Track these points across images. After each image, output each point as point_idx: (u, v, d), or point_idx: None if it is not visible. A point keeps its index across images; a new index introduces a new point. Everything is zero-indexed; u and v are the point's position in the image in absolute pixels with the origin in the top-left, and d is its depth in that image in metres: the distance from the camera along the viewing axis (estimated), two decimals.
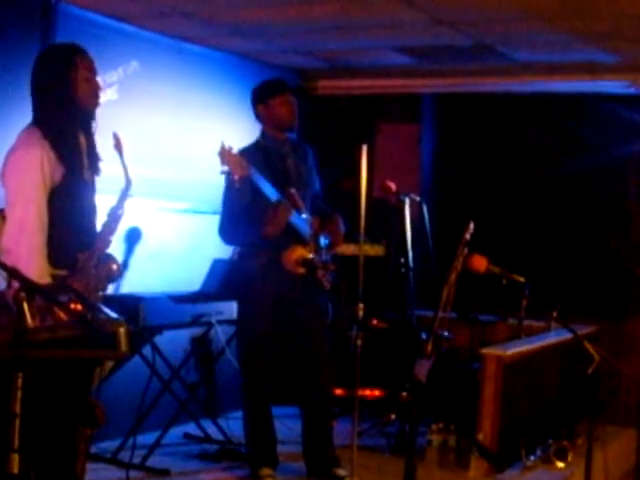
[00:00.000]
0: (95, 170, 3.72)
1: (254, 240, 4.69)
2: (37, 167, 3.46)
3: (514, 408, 5.21)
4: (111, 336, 2.52)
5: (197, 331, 5.70)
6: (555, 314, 5.64)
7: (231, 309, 5.32)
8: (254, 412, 4.83)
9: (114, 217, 3.68)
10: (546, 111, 7.07)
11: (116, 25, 5.50)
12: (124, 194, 3.72)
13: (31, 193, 3.46)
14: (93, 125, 3.70)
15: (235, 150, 4.50)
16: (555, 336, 5.74)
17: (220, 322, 5.39)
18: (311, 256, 4.42)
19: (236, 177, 4.39)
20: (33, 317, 2.46)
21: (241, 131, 6.07)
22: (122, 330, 2.52)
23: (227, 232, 4.76)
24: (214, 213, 4.92)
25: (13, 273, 2.44)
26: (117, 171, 3.68)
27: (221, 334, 5.46)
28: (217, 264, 5.52)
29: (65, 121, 3.58)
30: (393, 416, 5.76)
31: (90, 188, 3.70)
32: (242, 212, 4.66)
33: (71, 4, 5.17)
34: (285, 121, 4.78)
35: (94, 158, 3.71)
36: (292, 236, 4.66)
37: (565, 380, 5.81)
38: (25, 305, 2.39)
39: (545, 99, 6.90)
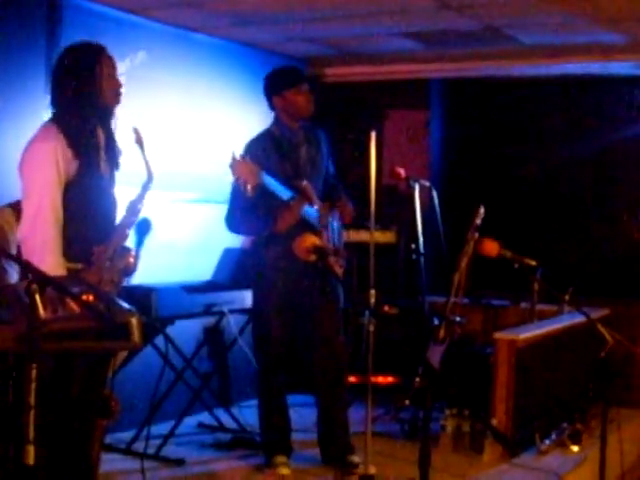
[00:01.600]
0: (114, 165, 3.77)
1: (262, 233, 4.71)
2: (52, 161, 3.51)
3: (528, 392, 5.21)
4: (124, 327, 2.52)
5: (209, 321, 5.71)
6: (567, 297, 5.66)
7: (243, 298, 5.33)
8: (269, 401, 4.83)
9: (133, 211, 3.72)
10: (556, 93, 7.04)
11: (123, 16, 5.48)
12: (145, 188, 3.76)
13: (46, 186, 3.51)
14: (113, 121, 3.75)
15: (240, 150, 4.53)
16: (568, 319, 5.73)
17: (232, 311, 5.40)
18: (322, 243, 4.41)
19: (248, 187, 4.40)
20: (45, 309, 2.46)
21: (250, 120, 6.08)
22: (134, 321, 2.52)
23: (234, 222, 4.77)
24: (224, 202, 4.91)
25: (25, 266, 2.44)
26: (137, 165, 3.72)
27: (233, 323, 5.47)
28: (228, 253, 5.52)
29: (83, 117, 3.63)
30: (407, 402, 5.75)
31: (108, 182, 3.74)
32: (251, 206, 4.66)
33: None
34: (302, 111, 4.75)
35: (113, 153, 3.75)
36: (302, 226, 4.66)
37: (578, 363, 5.80)
38: (37, 297, 2.38)
39: (554, 81, 6.87)
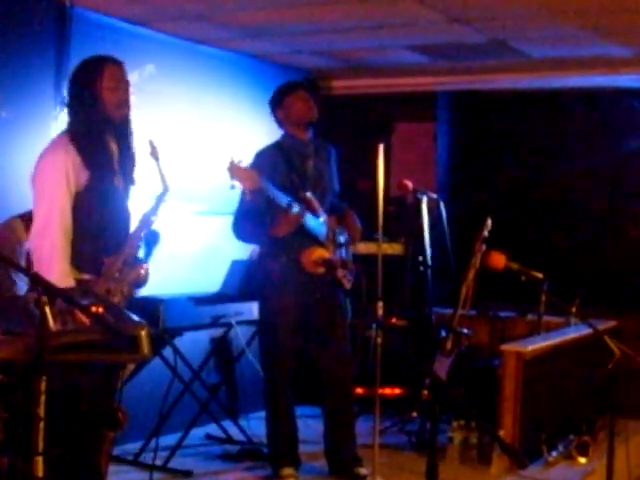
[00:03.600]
0: (129, 178, 3.82)
1: (262, 239, 4.75)
2: (61, 171, 3.57)
3: (535, 404, 5.21)
4: (133, 339, 2.53)
5: (217, 332, 5.72)
6: (574, 309, 5.65)
7: (250, 310, 5.34)
8: (277, 412, 4.84)
9: (146, 223, 3.77)
10: (563, 106, 7.05)
11: (131, 29, 5.52)
12: (159, 200, 3.82)
13: (55, 196, 3.57)
14: (129, 135, 3.80)
15: (249, 161, 4.58)
16: (575, 331, 5.73)
17: (240, 323, 5.41)
18: (330, 256, 4.43)
19: (247, 191, 4.42)
20: (55, 321, 2.48)
21: (257, 132, 6.10)
22: (143, 333, 2.53)
23: (238, 229, 4.82)
24: (231, 214, 4.93)
25: (34, 278, 2.46)
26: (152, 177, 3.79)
27: (241, 335, 5.48)
28: (236, 265, 5.53)
29: (92, 129, 3.68)
30: (415, 414, 5.75)
31: (121, 194, 3.78)
32: (256, 213, 4.68)
33: (86, 8, 5.20)
34: (303, 116, 4.78)
35: (128, 166, 3.80)
36: (309, 238, 4.68)
37: (586, 375, 5.79)
38: (47, 309, 2.40)
39: (561, 93, 6.88)
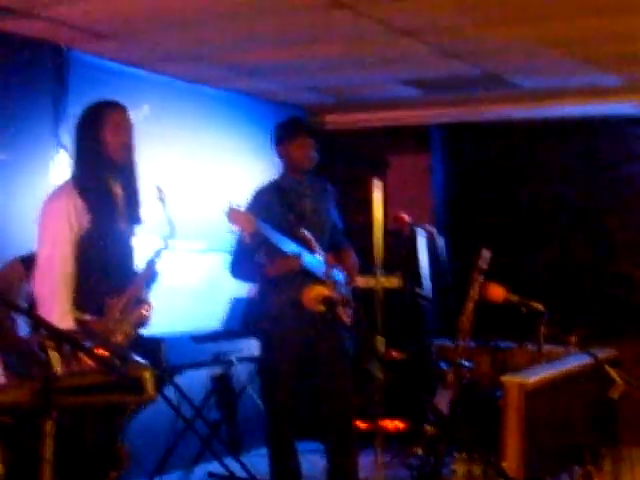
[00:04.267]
0: (134, 218, 3.89)
1: (258, 278, 4.79)
2: (64, 215, 3.66)
3: (538, 435, 5.19)
4: (138, 381, 2.54)
5: (216, 369, 5.71)
6: (574, 339, 5.65)
7: (251, 347, 5.34)
8: (279, 449, 4.82)
9: (151, 266, 3.83)
10: (555, 136, 7.10)
11: (127, 70, 5.58)
12: (166, 243, 3.88)
13: (56, 240, 3.65)
14: (133, 177, 3.89)
15: (246, 200, 4.59)
16: (576, 361, 5.72)
17: (240, 360, 5.41)
18: (330, 293, 4.43)
19: (245, 234, 4.46)
20: (60, 364, 2.49)
21: (254, 170, 6.14)
22: (148, 375, 2.55)
23: (235, 269, 4.85)
24: (225, 252, 4.95)
25: (39, 321, 2.47)
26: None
27: (242, 372, 5.48)
28: (236, 302, 5.54)
29: (95, 173, 3.78)
30: (420, 451, 5.72)
31: (124, 235, 3.85)
32: (252, 254, 4.71)
33: (82, 51, 5.25)
34: (302, 164, 4.80)
35: (133, 207, 3.88)
36: (307, 275, 4.69)
37: (588, 404, 5.78)
38: (52, 353, 2.41)
39: (554, 123, 6.93)
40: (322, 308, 4.18)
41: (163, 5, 4.47)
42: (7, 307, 3.03)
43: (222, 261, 5.75)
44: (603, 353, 5.70)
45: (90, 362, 2.65)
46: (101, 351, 2.69)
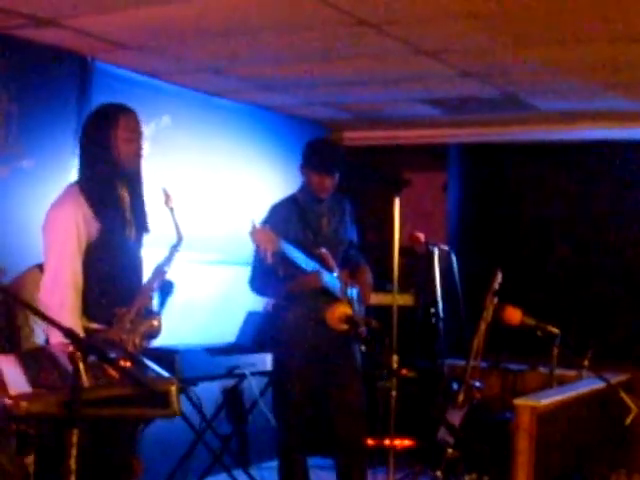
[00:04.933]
0: (142, 227, 3.80)
1: (280, 295, 4.77)
2: (72, 223, 3.56)
3: (548, 458, 5.18)
4: (163, 394, 2.55)
5: (228, 382, 5.72)
6: (587, 362, 5.65)
7: (264, 361, 5.36)
8: (289, 464, 4.82)
9: (159, 273, 3.74)
10: (572, 158, 7.11)
11: (149, 81, 5.61)
12: (173, 250, 3.80)
13: (65, 248, 3.55)
14: (139, 184, 3.79)
15: (269, 210, 4.68)
16: (588, 385, 5.72)
17: (254, 374, 5.42)
18: (353, 313, 4.44)
19: (268, 254, 4.45)
20: (87, 375, 2.49)
21: (271, 183, 6.17)
22: (174, 389, 2.55)
23: (257, 285, 4.83)
24: (245, 264, 4.96)
25: (68, 333, 2.48)
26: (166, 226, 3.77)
27: (255, 386, 5.48)
28: (251, 316, 5.56)
29: (104, 179, 3.66)
30: (440, 474, 5.69)
31: (133, 244, 3.76)
32: (272, 270, 4.71)
33: (106, 62, 5.28)
34: (317, 192, 4.78)
35: (140, 215, 3.78)
36: (323, 294, 4.70)
37: (599, 429, 5.78)
38: (81, 365, 2.42)
39: (571, 145, 6.94)
40: (345, 327, 4.19)
41: (185, 18, 4.49)
42: (35, 314, 2.95)
43: (235, 273, 5.78)
44: (615, 377, 5.70)
45: (115, 374, 2.64)
46: (125, 363, 2.68)
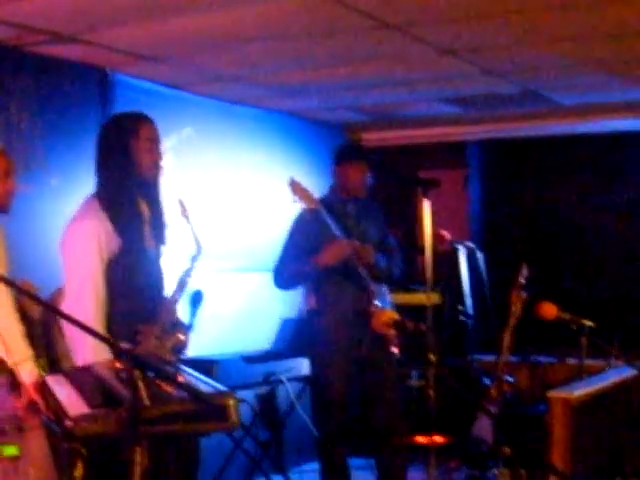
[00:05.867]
0: (160, 239, 3.71)
1: (306, 271, 4.72)
2: (93, 239, 3.46)
3: (583, 449, 5.19)
4: (221, 408, 2.57)
5: (263, 389, 5.73)
6: (615, 351, 5.66)
7: (300, 366, 5.38)
8: (331, 467, 4.84)
9: (182, 286, 3.65)
10: (593, 151, 7.11)
11: (169, 92, 5.63)
12: (194, 261, 3.70)
13: (87, 265, 3.45)
14: (158, 194, 3.70)
15: (298, 214, 4.69)
16: (617, 374, 5.73)
17: (290, 379, 5.44)
18: (400, 317, 4.45)
19: (305, 206, 4.56)
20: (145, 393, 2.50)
21: None
22: (232, 402, 2.57)
23: (281, 271, 4.80)
24: (270, 271, 4.95)
25: (126, 353, 2.50)
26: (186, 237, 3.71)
27: (291, 391, 5.50)
28: (285, 323, 5.58)
29: (124, 192, 3.57)
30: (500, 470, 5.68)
31: (153, 257, 3.68)
32: (303, 251, 4.71)
33: (126, 74, 5.31)
34: (356, 187, 4.82)
35: (159, 227, 3.70)
36: (357, 292, 4.71)
37: (632, 417, 5.79)
38: (140, 383, 2.43)
39: (590, 139, 6.95)
40: (392, 332, 4.20)
41: (205, 28, 4.50)
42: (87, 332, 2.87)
43: (263, 280, 5.79)
44: None
45: (171, 390, 2.65)
46: (182, 378, 2.70)
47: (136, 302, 3.56)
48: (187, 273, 3.69)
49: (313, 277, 4.79)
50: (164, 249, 3.79)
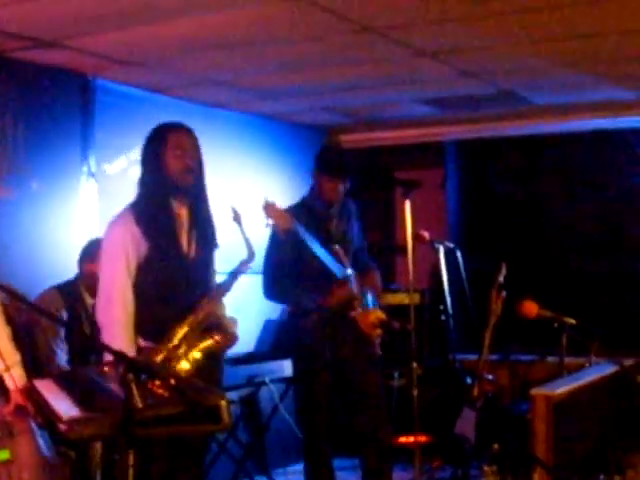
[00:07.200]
0: (207, 243, 3.84)
1: (307, 306, 4.74)
2: (119, 245, 3.64)
3: (565, 446, 5.24)
4: (213, 409, 2.58)
5: (245, 391, 5.75)
6: (595, 349, 5.72)
7: (283, 368, 5.39)
8: (316, 466, 4.86)
9: (225, 287, 3.81)
10: (569, 150, 7.17)
11: (150, 96, 5.65)
12: (243, 266, 3.85)
13: (114, 272, 3.65)
14: (199, 198, 3.82)
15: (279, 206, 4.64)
16: (598, 371, 5.78)
17: (273, 381, 5.45)
18: (387, 317, 4.48)
19: (280, 229, 4.50)
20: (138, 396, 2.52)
21: (275, 190, 6.18)
22: (224, 403, 2.58)
23: (273, 291, 4.82)
24: (257, 273, 4.97)
25: (119, 355, 2.52)
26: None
27: (275, 392, 5.52)
28: (269, 324, 5.59)
29: (155, 198, 3.71)
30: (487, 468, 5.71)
31: (193, 261, 3.77)
32: (289, 270, 4.73)
33: (107, 79, 5.32)
34: (328, 197, 4.82)
35: (203, 231, 3.82)
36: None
37: (614, 413, 5.85)
38: (133, 386, 2.45)
39: (567, 138, 7.01)
40: (379, 332, 4.22)
41: (186, 32, 4.53)
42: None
43: (250, 282, 5.79)
44: (625, 361, 5.77)
45: (164, 392, 2.67)
46: (174, 381, 2.71)
47: (165, 304, 3.69)
48: (234, 276, 3.84)
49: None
50: (215, 253, 3.93)
